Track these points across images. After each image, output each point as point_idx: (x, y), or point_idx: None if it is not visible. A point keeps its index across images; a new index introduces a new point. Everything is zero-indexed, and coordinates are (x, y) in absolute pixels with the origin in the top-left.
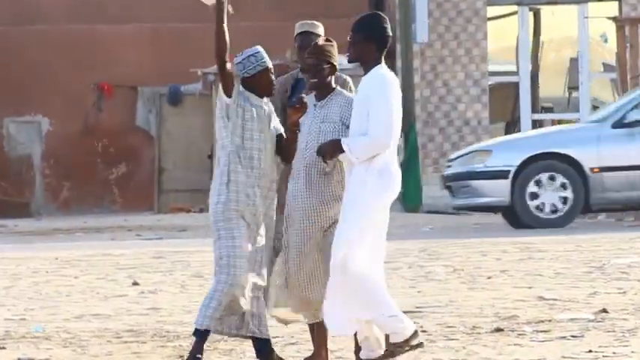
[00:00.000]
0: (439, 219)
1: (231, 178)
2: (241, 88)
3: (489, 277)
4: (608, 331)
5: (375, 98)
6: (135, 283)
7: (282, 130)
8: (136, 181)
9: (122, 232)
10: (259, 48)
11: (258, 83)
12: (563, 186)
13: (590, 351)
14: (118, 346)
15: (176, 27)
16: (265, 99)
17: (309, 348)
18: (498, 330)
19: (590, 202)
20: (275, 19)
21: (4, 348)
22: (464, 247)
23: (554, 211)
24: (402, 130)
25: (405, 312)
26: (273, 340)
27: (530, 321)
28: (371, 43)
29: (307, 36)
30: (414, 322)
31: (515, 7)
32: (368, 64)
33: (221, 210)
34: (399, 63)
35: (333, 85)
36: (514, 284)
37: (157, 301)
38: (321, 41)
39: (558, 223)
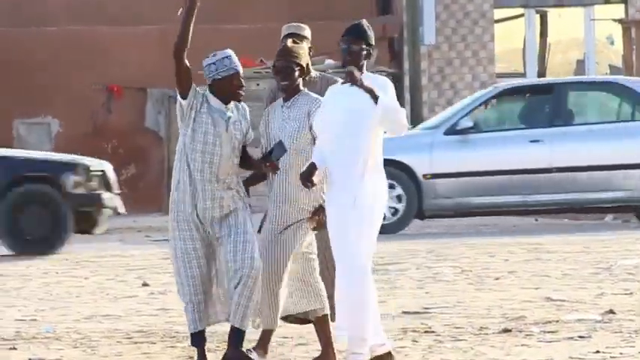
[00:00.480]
0: (447, 221)
1: (180, 179)
2: (206, 91)
3: (497, 278)
4: (615, 332)
5: (390, 96)
6: (144, 284)
7: (250, 139)
8: (145, 182)
9: (131, 233)
10: (231, 52)
11: (229, 86)
12: (397, 192)
13: (598, 351)
14: (128, 347)
15: None
16: (232, 105)
17: (317, 348)
18: (506, 331)
19: (423, 208)
20: (283, 20)
21: (15, 349)
22: (471, 248)
23: (388, 217)
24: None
25: (412, 313)
26: (281, 340)
27: (537, 322)
28: (366, 51)
29: (294, 38)
30: (422, 323)
31: (521, 10)
32: (359, 69)
33: (171, 210)
34: (406, 65)
35: (301, 87)
36: (521, 285)
37: (166, 302)
38: (289, 43)
39: (391, 229)
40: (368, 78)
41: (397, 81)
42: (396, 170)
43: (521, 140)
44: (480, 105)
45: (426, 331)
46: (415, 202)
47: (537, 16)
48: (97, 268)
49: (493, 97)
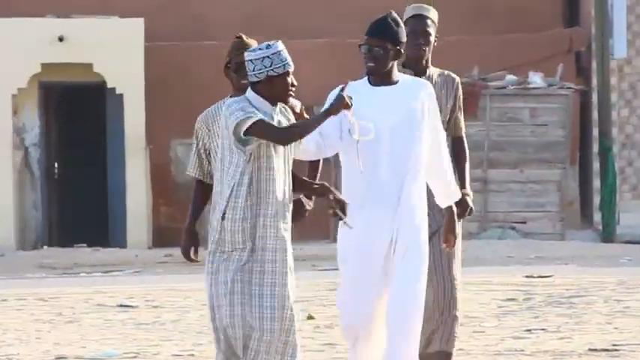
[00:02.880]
0: (639, 249)
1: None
2: (251, 94)
3: None
4: None
5: (435, 109)
6: (310, 317)
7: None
8: (312, 208)
9: (296, 262)
10: (282, 45)
11: (282, 85)
12: None
13: None
14: None
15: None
16: (279, 106)
17: None
18: None
19: None
20: (468, 34)
21: None
22: None
23: None
24: (597, 153)
25: (600, 350)
26: None
27: None
28: (393, 51)
29: (420, 20)
30: None
31: None
32: (387, 73)
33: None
34: (594, 81)
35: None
36: None
37: (333, 337)
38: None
39: None
40: (403, 80)
41: (585, 98)
42: None
43: None
44: None
45: None
46: None
47: None
48: None
49: None
